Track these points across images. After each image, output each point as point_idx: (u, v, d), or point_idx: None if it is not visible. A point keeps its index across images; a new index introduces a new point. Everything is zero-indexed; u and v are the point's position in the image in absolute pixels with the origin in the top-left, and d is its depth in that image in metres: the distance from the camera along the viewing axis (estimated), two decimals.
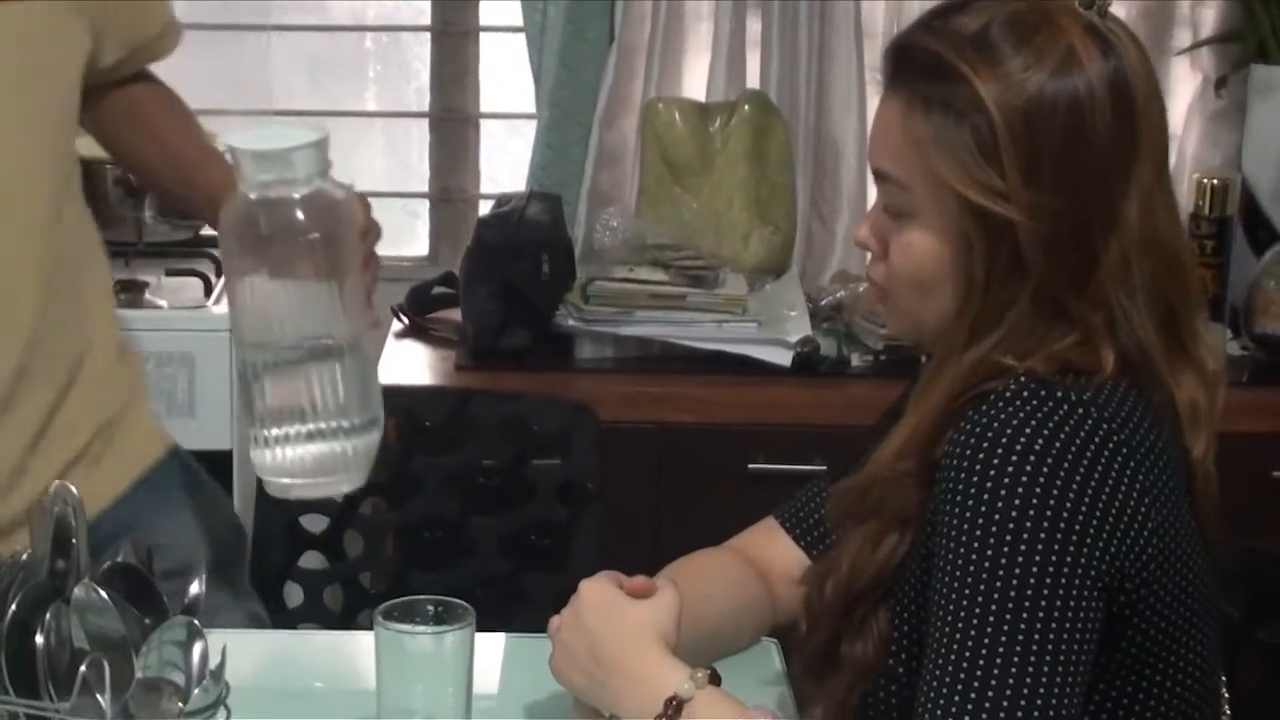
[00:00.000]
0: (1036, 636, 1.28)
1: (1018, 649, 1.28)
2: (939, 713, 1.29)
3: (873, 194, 3.52)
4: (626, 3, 3.05)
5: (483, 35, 3.28)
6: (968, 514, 1.31)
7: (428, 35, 3.29)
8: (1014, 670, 1.27)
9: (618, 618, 1.42)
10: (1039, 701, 1.27)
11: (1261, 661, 1.96)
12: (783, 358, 2.66)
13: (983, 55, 1.36)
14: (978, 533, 1.30)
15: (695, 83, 3.10)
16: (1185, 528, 1.39)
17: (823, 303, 2.84)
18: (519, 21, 3.06)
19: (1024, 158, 1.35)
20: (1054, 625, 1.28)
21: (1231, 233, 2.78)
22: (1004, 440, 1.31)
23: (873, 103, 3.12)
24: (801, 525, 1.69)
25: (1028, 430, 1.31)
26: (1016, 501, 1.30)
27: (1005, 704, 1.27)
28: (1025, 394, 1.34)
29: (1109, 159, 1.37)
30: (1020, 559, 1.29)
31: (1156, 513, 1.34)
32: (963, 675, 1.28)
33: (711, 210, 2.93)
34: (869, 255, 1.49)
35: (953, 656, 1.29)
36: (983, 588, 1.29)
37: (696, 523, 1.75)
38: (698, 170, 2.95)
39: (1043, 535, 1.29)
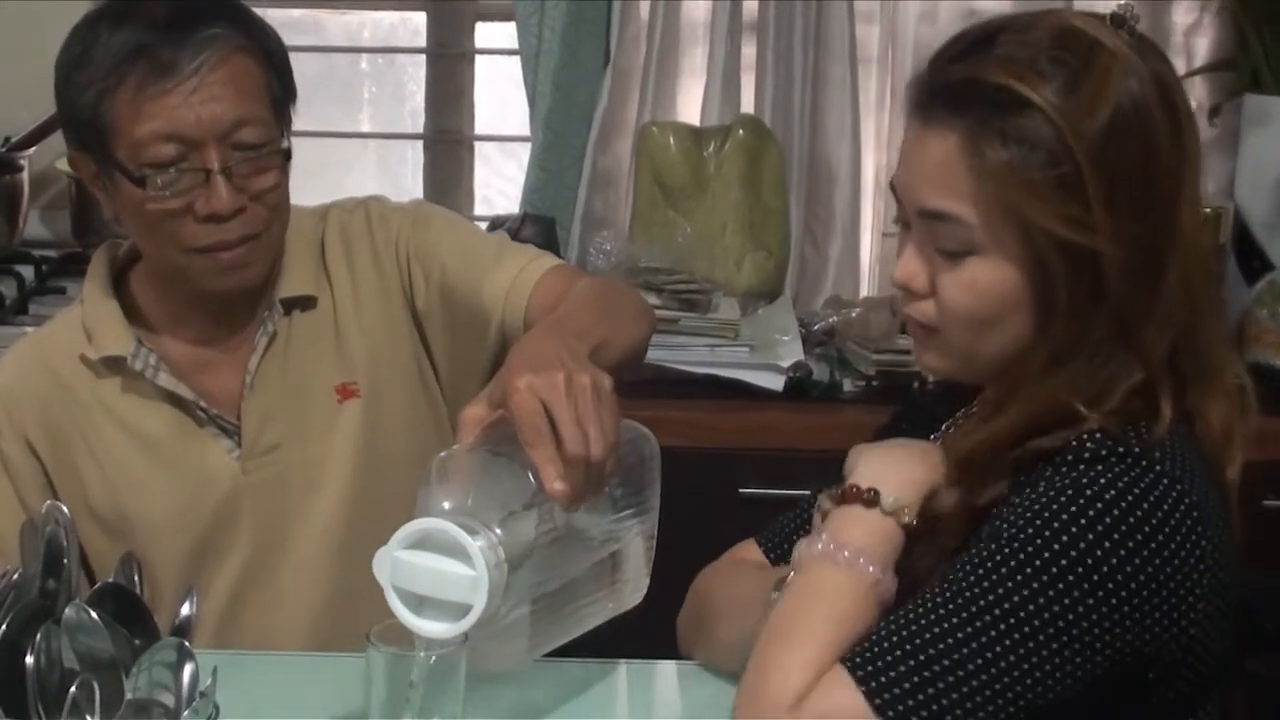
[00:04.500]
0: (999, 649, 1.28)
1: (977, 645, 1.29)
2: (876, 662, 1.30)
3: (867, 219, 3.49)
4: (622, 27, 3.06)
5: (478, 58, 3.29)
6: (1015, 544, 1.31)
7: (423, 57, 3.29)
8: (960, 661, 1.28)
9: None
10: (968, 704, 1.28)
11: (1250, 690, 1.96)
12: (775, 382, 2.66)
13: (1049, 84, 1.34)
14: (1015, 558, 1.31)
15: (689, 107, 3.11)
16: (1229, 570, 1.39)
17: (815, 327, 2.84)
18: (514, 44, 3.07)
19: (1105, 185, 1.34)
20: (1024, 653, 1.29)
21: (1224, 262, 2.78)
22: (1091, 511, 1.31)
23: (866, 127, 3.13)
24: (779, 549, 1.68)
25: (1122, 504, 1.31)
26: (1073, 553, 1.30)
27: (939, 686, 1.28)
28: (1111, 458, 1.34)
29: (1170, 174, 1.37)
30: (1038, 587, 1.29)
31: (1210, 572, 1.35)
32: (916, 639, 1.30)
33: (705, 234, 2.93)
34: (903, 295, 1.46)
35: (921, 620, 1.31)
36: (986, 584, 1.30)
37: (687, 546, 1.75)
38: (691, 194, 2.96)
39: (1079, 586, 1.29)
